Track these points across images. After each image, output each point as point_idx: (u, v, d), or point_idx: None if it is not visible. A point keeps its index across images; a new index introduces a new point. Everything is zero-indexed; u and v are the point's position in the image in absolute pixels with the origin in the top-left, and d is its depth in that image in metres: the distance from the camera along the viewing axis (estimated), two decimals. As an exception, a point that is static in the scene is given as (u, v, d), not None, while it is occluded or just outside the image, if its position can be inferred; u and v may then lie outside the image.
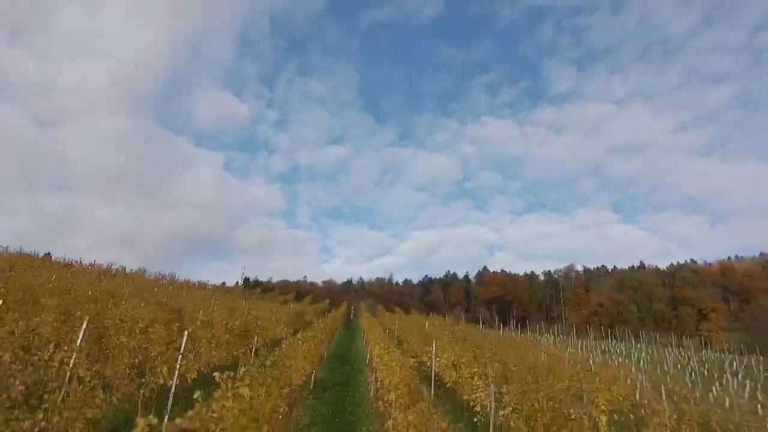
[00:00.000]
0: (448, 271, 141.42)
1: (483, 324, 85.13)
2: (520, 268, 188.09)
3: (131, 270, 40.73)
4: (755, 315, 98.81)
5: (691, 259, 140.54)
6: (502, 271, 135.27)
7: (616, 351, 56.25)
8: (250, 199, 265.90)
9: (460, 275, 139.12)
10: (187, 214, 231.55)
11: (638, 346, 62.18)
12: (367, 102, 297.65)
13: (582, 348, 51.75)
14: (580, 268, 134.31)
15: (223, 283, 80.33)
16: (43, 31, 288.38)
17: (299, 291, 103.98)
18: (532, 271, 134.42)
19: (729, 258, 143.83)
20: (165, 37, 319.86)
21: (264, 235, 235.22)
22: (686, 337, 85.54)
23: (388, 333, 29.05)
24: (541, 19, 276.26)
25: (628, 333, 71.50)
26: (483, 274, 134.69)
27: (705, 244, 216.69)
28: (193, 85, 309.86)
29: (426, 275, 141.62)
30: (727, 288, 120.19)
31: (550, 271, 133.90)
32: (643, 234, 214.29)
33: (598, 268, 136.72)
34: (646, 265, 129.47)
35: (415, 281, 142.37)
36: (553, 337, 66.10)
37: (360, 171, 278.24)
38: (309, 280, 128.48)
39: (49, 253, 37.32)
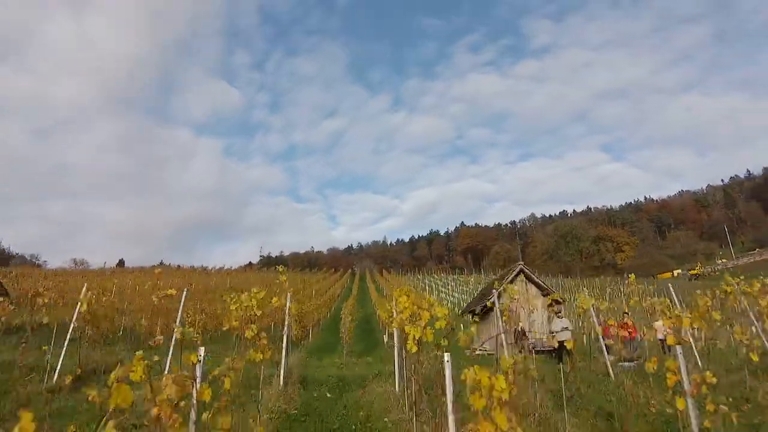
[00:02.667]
0: (431, 229, 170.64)
1: (458, 272, 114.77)
2: (516, 216, 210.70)
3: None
4: (667, 243, 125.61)
5: (646, 197, 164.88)
6: (476, 225, 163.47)
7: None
8: (252, 181, 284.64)
9: (442, 232, 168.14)
10: (193, 203, 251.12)
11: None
12: (356, 75, 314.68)
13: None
14: (539, 215, 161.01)
15: (250, 263, 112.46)
16: (28, 47, 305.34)
17: (309, 260, 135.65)
18: (499, 223, 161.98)
19: (679, 193, 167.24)
20: (151, 37, 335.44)
21: (271, 213, 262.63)
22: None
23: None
24: None
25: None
26: (460, 229, 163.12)
27: (697, 173, 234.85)
28: (186, 79, 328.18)
29: (412, 235, 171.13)
30: (661, 221, 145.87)
31: (515, 220, 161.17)
32: (633, 171, 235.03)
33: (557, 214, 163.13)
34: (592, 209, 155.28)
35: (406, 240, 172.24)
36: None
37: (356, 141, 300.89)
38: (315, 249, 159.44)
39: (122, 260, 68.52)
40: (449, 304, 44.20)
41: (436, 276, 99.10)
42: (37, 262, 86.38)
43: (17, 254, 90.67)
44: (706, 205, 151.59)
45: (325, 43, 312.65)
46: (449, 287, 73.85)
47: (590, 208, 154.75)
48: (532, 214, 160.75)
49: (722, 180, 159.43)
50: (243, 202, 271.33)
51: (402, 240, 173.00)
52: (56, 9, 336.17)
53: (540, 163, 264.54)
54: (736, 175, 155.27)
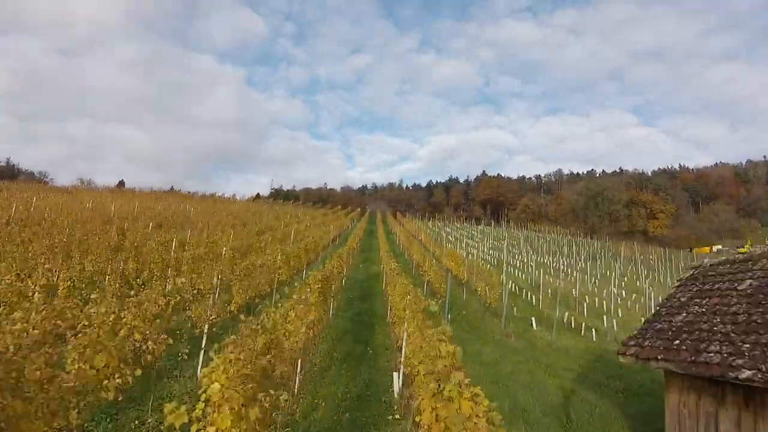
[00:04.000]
0: (450, 176, 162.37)
1: (477, 222, 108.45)
2: (539, 171, 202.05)
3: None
4: (704, 216, 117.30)
5: (680, 165, 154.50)
6: (498, 175, 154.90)
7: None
8: (273, 113, 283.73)
9: (462, 179, 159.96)
10: (213, 131, 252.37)
11: (533, 236, 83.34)
12: (386, 10, 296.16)
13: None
14: (567, 172, 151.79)
15: (258, 194, 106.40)
16: None
17: (321, 197, 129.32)
18: (523, 176, 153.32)
19: (716, 164, 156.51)
20: None
21: (288, 147, 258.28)
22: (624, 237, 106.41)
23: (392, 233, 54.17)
24: None
25: (546, 227, 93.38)
26: (481, 178, 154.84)
27: (722, 149, 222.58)
28: (211, 4, 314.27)
29: (431, 180, 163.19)
30: (696, 192, 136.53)
31: (540, 175, 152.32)
32: (661, 137, 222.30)
33: (585, 173, 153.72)
34: (631, 170, 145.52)
35: (423, 185, 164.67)
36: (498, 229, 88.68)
37: (380, 80, 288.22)
38: (329, 186, 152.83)
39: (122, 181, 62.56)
40: (479, 260, 34.98)
41: (457, 225, 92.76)
42: (45, 179, 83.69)
43: (26, 170, 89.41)
44: (746, 180, 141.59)
45: None
46: (475, 239, 67.32)
47: (621, 170, 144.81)
48: (559, 170, 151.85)
49: (765, 156, 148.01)
50: (262, 133, 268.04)
51: (419, 184, 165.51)
52: None
53: (566, 120, 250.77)
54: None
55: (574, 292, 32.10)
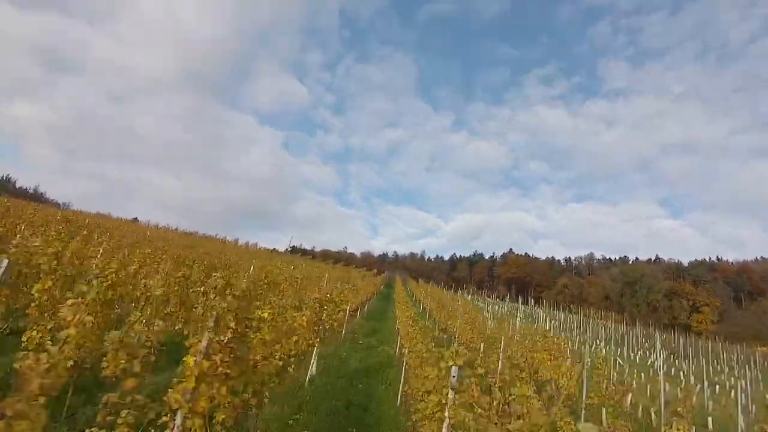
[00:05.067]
0: (475, 251, 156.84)
1: (501, 299, 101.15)
2: (563, 255, 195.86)
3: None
4: (751, 312, 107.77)
5: (718, 257, 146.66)
6: (526, 254, 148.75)
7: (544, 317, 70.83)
8: (304, 176, 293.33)
9: (486, 256, 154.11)
10: (244, 187, 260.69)
11: (582, 320, 75.34)
12: (423, 90, 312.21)
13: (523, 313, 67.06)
14: (599, 257, 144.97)
15: (274, 248, 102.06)
16: (121, 16, 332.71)
17: (338, 259, 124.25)
18: (552, 257, 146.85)
19: (756, 259, 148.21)
20: (235, 23, 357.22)
21: (315, 211, 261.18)
22: (665, 329, 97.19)
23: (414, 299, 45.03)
24: (599, 16, 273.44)
25: (584, 310, 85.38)
26: (507, 255, 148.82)
27: (755, 246, 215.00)
28: (260, 71, 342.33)
29: (454, 253, 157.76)
30: (738, 286, 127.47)
31: (570, 257, 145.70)
32: (689, 231, 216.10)
33: (618, 258, 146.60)
34: (666, 259, 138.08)
35: (445, 258, 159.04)
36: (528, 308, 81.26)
37: (412, 155, 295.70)
38: (349, 250, 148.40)
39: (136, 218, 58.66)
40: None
41: (489, 299, 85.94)
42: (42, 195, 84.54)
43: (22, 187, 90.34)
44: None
45: (397, 54, 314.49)
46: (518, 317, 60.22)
47: (658, 258, 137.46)
48: (591, 254, 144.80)
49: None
50: (291, 194, 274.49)
51: (441, 257, 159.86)
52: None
53: (592, 207, 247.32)
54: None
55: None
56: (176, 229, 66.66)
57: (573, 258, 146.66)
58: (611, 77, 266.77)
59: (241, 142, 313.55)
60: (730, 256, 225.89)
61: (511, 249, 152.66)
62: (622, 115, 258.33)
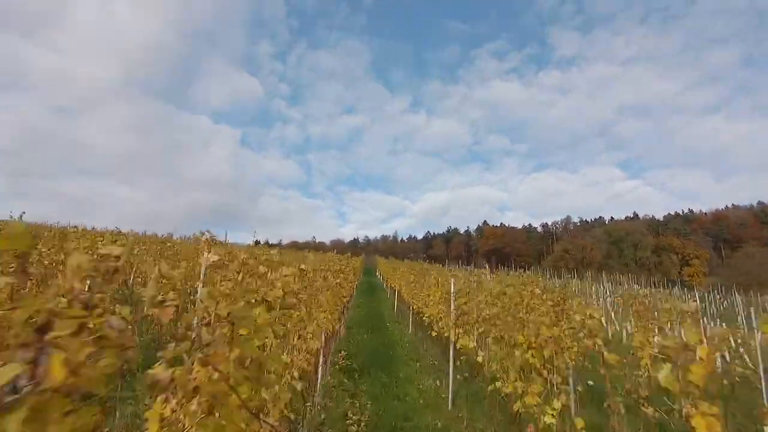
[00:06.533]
0: (450, 227, 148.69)
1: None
2: (526, 223, 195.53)
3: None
4: (738, 260, 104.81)
5: (689, 209, 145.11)
6: (501, 225, 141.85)
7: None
8: (267, 171, 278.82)
9: (462, 231, 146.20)
10: (206, 189, 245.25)
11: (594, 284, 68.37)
12: (377, 73, 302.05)
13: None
14: (576, 220, 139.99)
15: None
16: (56, 27, 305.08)
17: (307, 249, 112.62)
18: (529, 224, 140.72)
19: (726, 207, 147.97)
20: (176, 22, 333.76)
21: (281, 205, 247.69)
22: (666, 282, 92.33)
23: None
24: None
25: (591, 274, 78.64)
26: (483, 228, 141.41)
27: (709, 198, 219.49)
28: (208, 67, 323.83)
29: (428, 231, 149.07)
30: (718, 236, 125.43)
31: (547, 223, 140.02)
32: (648, 189, 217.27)
33: (594, 219, 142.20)
34: (640, 216, 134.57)
35: (419, 238, 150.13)
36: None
37: (373, 139, 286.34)
38: (318, 240, 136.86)
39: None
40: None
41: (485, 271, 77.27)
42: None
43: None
44: (766, 221, 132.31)
45: (349, 39, 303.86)
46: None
47: (636, 215, 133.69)
48: (568, 217, 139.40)
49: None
50: (255, 192, 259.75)
51: (414, 237, 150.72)
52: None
53: (555, 175, 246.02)
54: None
55: None
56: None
57: (550, 223, 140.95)
58: (561, 46, 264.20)
59: (197, 144, 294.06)
60: (695, 207, 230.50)
61: (485, 221, 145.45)
62: (575, 83, 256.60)
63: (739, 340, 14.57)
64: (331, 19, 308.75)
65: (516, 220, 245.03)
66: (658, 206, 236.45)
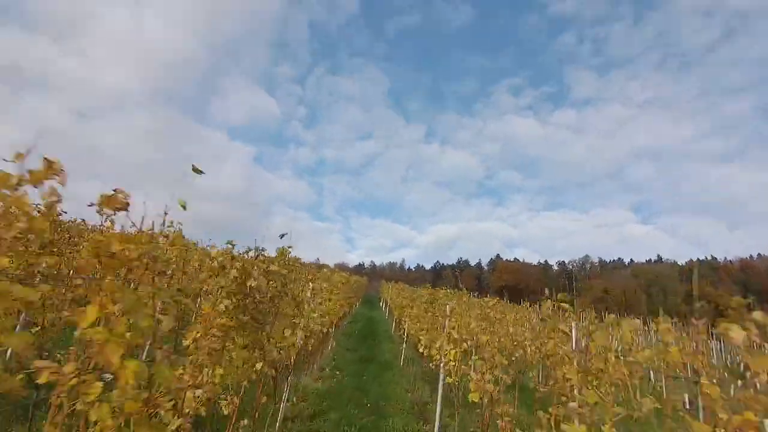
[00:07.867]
0: (460, 258, 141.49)
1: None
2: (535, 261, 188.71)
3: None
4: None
5: (712, 256, 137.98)
6: (515, 259, 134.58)
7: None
8: (278, 191, 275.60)
9: (473, 263, 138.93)
10: (216, 205, 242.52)
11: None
12: (395, 102, 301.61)
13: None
14: (595, 260, 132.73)
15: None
16: (84, 33, 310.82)
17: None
18: (545, 261, 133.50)
19: (750, 257, 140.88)
20: (202, 37, 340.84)
21: (289, 226, 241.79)
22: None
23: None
24: (564, 27, 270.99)
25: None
26: (496, 261, 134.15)
27: (723, 247, 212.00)
28: (229, 84, 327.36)
29: (438, 261, 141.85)
30: (747, 286, 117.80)
31: (564, 261, 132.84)
32: (660, 234, 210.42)
33: (614, 260, 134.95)
34: (663, 260, 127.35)
35: (427, 267, 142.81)
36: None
37: (386, 166, 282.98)
38: (322, 262, 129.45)
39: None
40: None
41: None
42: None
43: None
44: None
45: (368, 66, 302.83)
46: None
47: (660, 258, 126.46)
48: (586, 256, 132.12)
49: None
50: (266, 211, 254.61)
51: (422, 266, 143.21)
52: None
53: (565, 215, 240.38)
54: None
55: None
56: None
57: (567, 261, 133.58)
58: (578, 87, 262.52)
59: (212, 159, 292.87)
60: (706, 255, 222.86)
61: (498, 255, 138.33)
62: (590, 123, 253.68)
63: None
64: (353, 45, 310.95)
65: (525, 257, 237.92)
66: (671, 252, 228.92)
